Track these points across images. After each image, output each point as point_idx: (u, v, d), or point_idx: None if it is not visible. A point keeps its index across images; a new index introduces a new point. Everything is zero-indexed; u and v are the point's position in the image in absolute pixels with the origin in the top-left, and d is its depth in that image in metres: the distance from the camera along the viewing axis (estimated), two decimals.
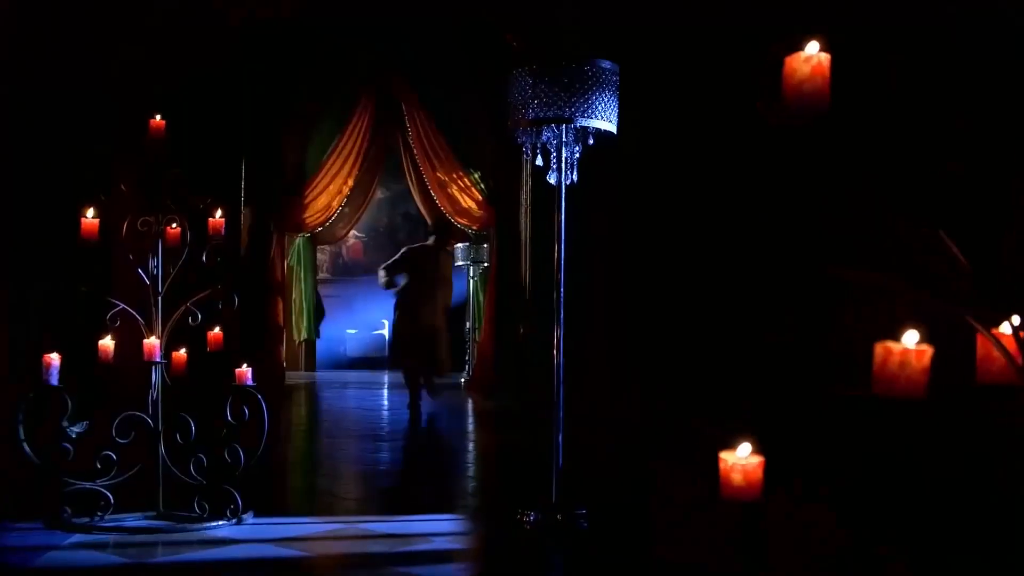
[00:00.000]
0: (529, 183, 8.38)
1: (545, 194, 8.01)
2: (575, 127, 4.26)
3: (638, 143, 4.95)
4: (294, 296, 14.41)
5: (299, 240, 14.12)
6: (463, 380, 12.45)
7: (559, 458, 4.29)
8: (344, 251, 16.92)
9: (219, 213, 4.12)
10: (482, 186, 11.68)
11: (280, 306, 11.68)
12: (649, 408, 5.23)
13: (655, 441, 5.14)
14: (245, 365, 4.01)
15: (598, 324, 5.23)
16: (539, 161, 4.45)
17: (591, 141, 4.34)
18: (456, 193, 11.81)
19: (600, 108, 4.20)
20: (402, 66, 11.74)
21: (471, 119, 11.37)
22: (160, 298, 4.13)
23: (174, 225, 4.21)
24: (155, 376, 4.06)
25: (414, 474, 5.68)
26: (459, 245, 12.53)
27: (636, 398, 5.30)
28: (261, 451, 4.07)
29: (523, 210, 8.90)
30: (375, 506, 4.64)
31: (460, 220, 11.99)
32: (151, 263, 4.10)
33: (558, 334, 4.31)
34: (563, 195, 4.38)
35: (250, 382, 4.02)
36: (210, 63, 8.81)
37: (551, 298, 7.49)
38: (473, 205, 11.77)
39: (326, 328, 15.54)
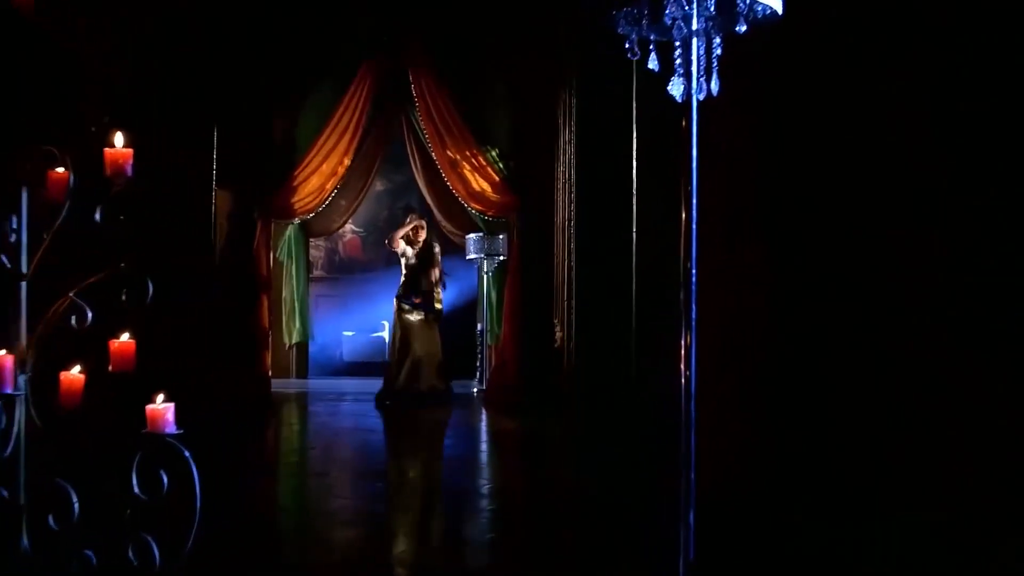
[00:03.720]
0: (571, 151, 6.71)
1: (593, 167, 6.40)
2: (713, 2, 2.60)
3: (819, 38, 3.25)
4: (284, 295, 12.83)
5: (290, 232, 12.56)
6: (475, 390, 10.84)
7: (690, 546, 2.61)
8: (340, 247, 15.48)
9: (120, 140, 2.42)
10: (500, 165, 10.02)
11: (266, 306, 10.00)
12: (803, 453, 3.53)
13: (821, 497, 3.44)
14: (162, 399, 2.32)
15: (716, 330, 3.51)
16: (652, 63, 2.77)
17: (742, 27, 2.65)
18: (469, 174, 10.15)
19: None
20: (409, 28, 10.11)
21: (490, 87, 9.75)
22: (24, 284, 2.44)
23: (59, 167, 2.53)
24: (5, 417, 2.35)
25: (443, 541, 3.99)
26: (471, 236, 10.97)
27: (780, 433, 3.60)
28: (190, 545, 2.37)
29: (560, 186, 7.23)
30: None
31: (474, 205, 10.35)
32: (7, 225, 2.41)
33: (688, 340, 2.62)
34: (694, 117, 2.67)
35: (172, 428, 2.32)
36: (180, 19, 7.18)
37: (602, 296, 5.84)
38: (488, 187, 10.11)
39: (319, 330, 14.07)
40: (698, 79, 2.64)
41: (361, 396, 11.16)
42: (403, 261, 10.05)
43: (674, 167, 4.24)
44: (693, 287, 2.63)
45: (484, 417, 8.94)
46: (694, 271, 2.64)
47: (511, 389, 9.20)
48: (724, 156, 3.91)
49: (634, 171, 4.66)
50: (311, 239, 13.74)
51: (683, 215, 2.64)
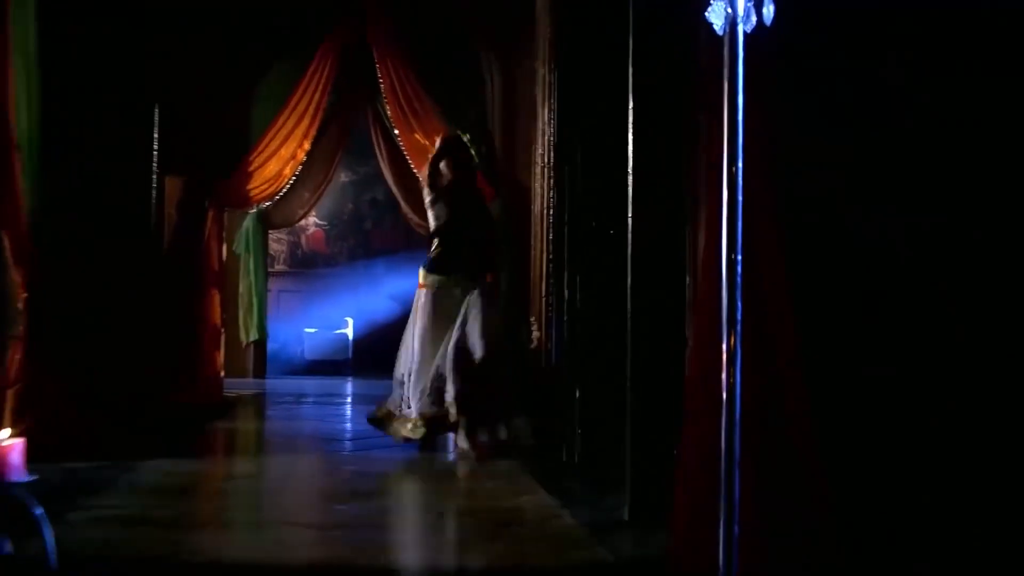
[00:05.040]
0: (551, 132, 6.07)
1: (577, 147, 5.73)
2: None
3: None
4: (241, 290, 12.19)
5: (248, 223, 11.87)
6: None
7: None
8: (303, 240, 14.94)
9: None
10: (471, 151, 9.37)
11: (218, 301, 9.28)
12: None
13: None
14: (7, 434, 1.64)
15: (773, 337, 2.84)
16: None
17: None
18: None
19: None
20: (374, 3, 9.44)
21: (462, 66, 9.11)
22: None
23: None
24: None
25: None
26: None
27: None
28: None
29: (538, 171, 6.59)
30: None
31: None
32: None
33: (731, 344, 1.99)
34: (739, 56, 2.03)
35: (20, 474, 1.65)
36: None
37: (588, 292, 5.20)
38: None
39: (281, 327, 13.42)
40: (746, 3, 2.00)
41: (322, 397, 10.49)
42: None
43: (689, 138, 3.61)
44: (739, 280, 2.00)
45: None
46: (739, 258, 2.00)
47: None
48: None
49: (630, 147, 4.01)
50: (271, 231, 13.08)
51: (725, 194, 2.00)
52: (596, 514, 4.21)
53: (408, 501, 4.81)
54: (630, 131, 4.02)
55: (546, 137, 6.30)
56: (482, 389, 5.90)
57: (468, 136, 9.38)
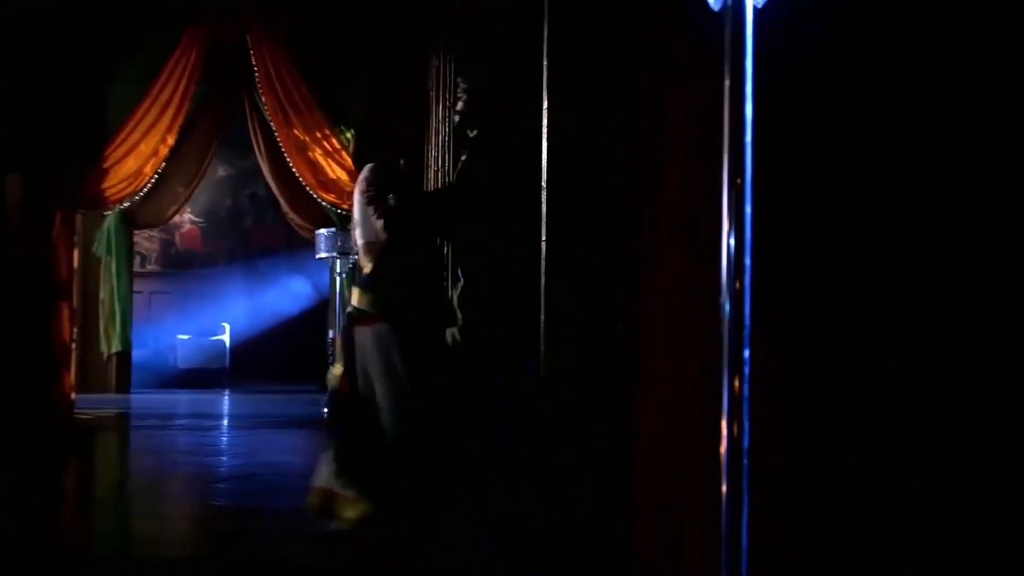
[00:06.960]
0: (446, 130, 5.33)
1: (478, 148, 4.96)
2: None
3: None
4: (102, 295, 11.23)
5: (109, 223, 10.86)
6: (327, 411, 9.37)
7: None
8: (177, 238, 14.08)
9: None
10: None
11: (66, 313, 8.28)
12: None
13: None
14: None
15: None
16: None
17: None
18: (320, 158, 8.80)
19: None
20: None
21: (346, 55, 8.34)
22: None
23: None
24: None
25: None
26: (321, 231, 9.59)
27: None
28: None
29: (431, 175, 5.86)
30: None
31: (324, 196, 8.99)
32: None
33: (738, 389, 1.30)
34: (748, 37, 1.31)
35: None
36: None
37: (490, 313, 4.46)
38: (343, 175, 8.77)
39: (151, 333, 12.60)
40: None
41: (196, 418, 9.56)
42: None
43: (629, 143, 2.88)
44: (747, 312, 1.29)
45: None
46: (748, 290, 1.29)
47: None
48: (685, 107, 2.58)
49: (544, 153, 3.27)
50: (138, 230, 12.10)
51: (725, 211, 1.29)
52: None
53: None
54: (544, 133, 3.29)
55: (440, 138, 5.54)
56: None
57: (352, 132, 8.70)
